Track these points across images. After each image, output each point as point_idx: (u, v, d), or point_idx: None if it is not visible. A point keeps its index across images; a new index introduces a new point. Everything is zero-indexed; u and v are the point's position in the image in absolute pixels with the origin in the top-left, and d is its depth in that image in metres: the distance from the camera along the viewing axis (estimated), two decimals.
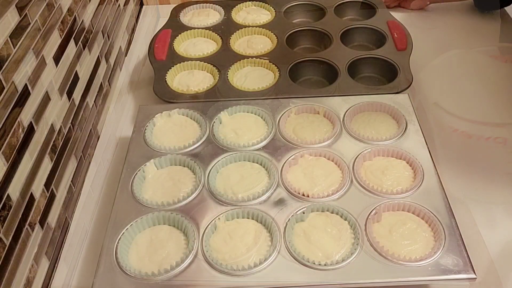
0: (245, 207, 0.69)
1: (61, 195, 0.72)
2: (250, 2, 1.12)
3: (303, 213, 0.68)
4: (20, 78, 0.62)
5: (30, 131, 0.64)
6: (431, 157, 0.74)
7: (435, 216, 0.66)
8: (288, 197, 0.70)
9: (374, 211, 0.67)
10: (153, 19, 1.15)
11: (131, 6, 1.14)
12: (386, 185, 0.71)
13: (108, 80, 0.95)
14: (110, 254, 0.64)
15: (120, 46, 1.04)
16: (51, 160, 0.70)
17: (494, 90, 0.95)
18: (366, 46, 1.03)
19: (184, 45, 1.02)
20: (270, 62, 0.95)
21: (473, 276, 0.61)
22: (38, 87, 0.66)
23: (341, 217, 0.67)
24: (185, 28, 1.05)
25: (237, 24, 1.06)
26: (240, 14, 1.10)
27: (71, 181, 0.76)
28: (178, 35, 1.02)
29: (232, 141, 0.77)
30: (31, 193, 0.63)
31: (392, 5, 1.14)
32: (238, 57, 0.96)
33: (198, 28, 1.05)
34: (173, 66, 0.94)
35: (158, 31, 1.04)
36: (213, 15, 1.09)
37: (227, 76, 0.92)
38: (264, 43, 1.01)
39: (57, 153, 0.71)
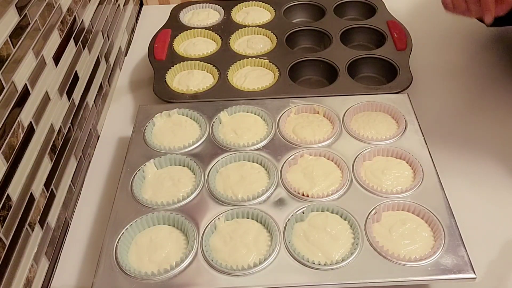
0: (245, 207, 0.69)
1: (61, 195, 0.73)
2: (249, 2, 1.12)
3: (303, 213, 0.68)
4: (20, 78, 0.62)
5: (30, 131, 0.64)
6: (431, 157, 0.74)
7: (435, 216, 0.66)
8: (288, 197, 0.70)
9: (374, 211, 0.67)
10: (153, 19, 1.15)
11: (131, 6, 1.14)
12: (386, 185, 0.71)
13: (108, 80, 0.95)
14: (110, 254, 0.64)
15: (120, 46, 1.04)
16: (51, 160, 0.70)
17: (495, 89, 0.95)
18: (366, 46, 1.03)
19: (183, 45, 1.02)
20: (270, 62, 0.95)
21: (473, 276, 0.61)
22: (38, 87, 0.66)
23: (341, 217, 0.67)
24: (185, 28, 1.05)
25: (236, 24, 1.06)
26: (240, 14, 1.10)
27: (71, 181, 0.76)
28: (177, 35, 1.02)
29: (231, 141, 0.77)
30: (31, 193, 0.63)
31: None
32: (238, 57, 0.96)
33: (198, 28, 1.05)
34: (172, 66, 0.94)
35: (158, 31, 1.04)
36: (212, 15, 1.09)
37: (227, 76, 0.92)
38: (264, 43, 1.01)
39: (57, 153, 0.71)
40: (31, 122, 0.64)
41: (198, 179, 0.72)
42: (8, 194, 0.58)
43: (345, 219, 0.67)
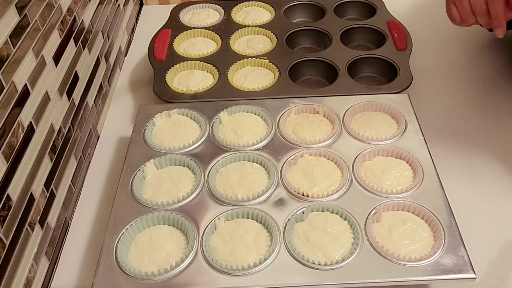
0: (245, 207, 0.68)
1: (61, 195, 0.73)
2: (249, 2, 1.12)
3: (303, 213, 0.68)
4: (20, 78, 0.62)
5: (30, 131, 0.64)
6: (431, 157, 0.74)
7: (435, 216, 0.66)
8: (288, 197, 0.70)
9: (374, 211, 0.67)
10: (153, 19, 1.15)
11: (131, 6, 1.14)
12: (386, 185, 0.71)
13: (108, 80, 0.95)
14: (110, 254, 0.64)
15: (120, 46, 1.04)
16: (51, 160, 0.70)
17: (495, 89, 0.95)
18: (366, 46, 1.03)
19: (184, 45, 1.02)
20: (270, 62, 0.95)
21: (473, 276, 0.61)
22: (38, 87, 0.66)
23: (341, 217, 0.67)
24: (185, 28, 1.05)
25: (236, 24, 1.06)
26: (240, 14, 1.10)
27: (71, 181, 0.76)
28: (178, 35, 1.02)
29: (231, 141, 0.77)
30: (31, 193, 0.63)
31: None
32: (238, 57, 0.96)
33: (198, 28, 1.05)
34: (172, 66, 0.94)
35: (158, 31, 1.04)
36: (212, 15, 1.09)
37: (227, 76, 0.92)
38: (264, 43, 1.01)
39: (57, 153, 0.71)
40: (31, 122, 0.64)
41: (198, 179, 0.72)
42: (8, 194, 0.58)
43: (345, 219, 0.67)
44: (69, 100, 0.77)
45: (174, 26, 1.06)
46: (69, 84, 0.77)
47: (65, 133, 0.74)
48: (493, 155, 0.82)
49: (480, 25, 0.75)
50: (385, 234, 0.65)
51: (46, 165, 0.68)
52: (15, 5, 0.61)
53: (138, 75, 1.03)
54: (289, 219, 0.67)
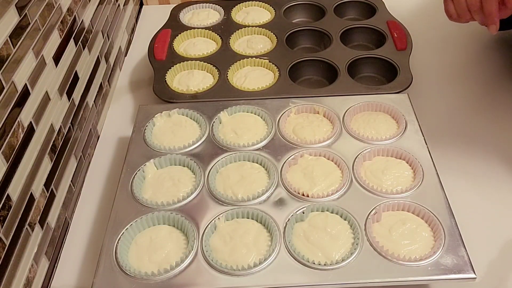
0: (245, 207, 0.68)
1: (61, 195, 0.73)
2: (249, 2, 1.12)
3: (303, 213, 0.68)
4: (20, 78, 0.62)
5: (30, 131, 0.64)
6: (431, 157, 0.74)
7: (435, 216, 0.66)
8: (288, 197, 0.70)
9: (374, 211, 0.67)
10: (153, 19, 1.15)
11: (131, 6, 1.14)
12: (386, 185, 0.71)
13: (108, 80, 0.95)
14: (110, 254, 0.64)
15: (120, 46, 1.04)
16: (51, 160, 0.70)
17: (495, 89, 0.95)
18: (366, 46, 1.03)
19: (184, 45, 1.02)
20: (270, 62, 0.95)
21: (473, 276, 0.61)
22: (38, 87, 0.66)
23: (341, 217, 0.67)
24: (185, 28, 1.05)
25: (236, 24, 1.06)
26: (240, 14, 1.10)
27: (71, 181, 0.76)
28: (178, 35, 1.02)
29: (231, 141, 0.77)
30: (31, 193, 0.63)
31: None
32: (238, 57, 0.96)
33: (198, 28, 1.05)
34: (173, 66, 0.94)
35: (158, 31, 1.04)
36: (213, 15, 1.09)
37: (227, 76, 0.92)
38: (264, 43, 1.01)
39: (57, 153, 0.71)
40: (31, 122, 0.64)
41: (198, 179, 0.72)
42: (8, 194, 0.58)
43: (345, 219, 0.67)
44: (69, 100, 0.77)
45: (174, 26, 1.06)
46: (69, 84, 0.77)
47: (65, 133, 0.74)
48: (493, 155, 0.82)
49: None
50: (385, 234, 0.65)
51: (46, 165, 0.68)
52: (15, 5, 0.61)
53: (138, 75, 1.03)
54: (289, 219, 0.67)
